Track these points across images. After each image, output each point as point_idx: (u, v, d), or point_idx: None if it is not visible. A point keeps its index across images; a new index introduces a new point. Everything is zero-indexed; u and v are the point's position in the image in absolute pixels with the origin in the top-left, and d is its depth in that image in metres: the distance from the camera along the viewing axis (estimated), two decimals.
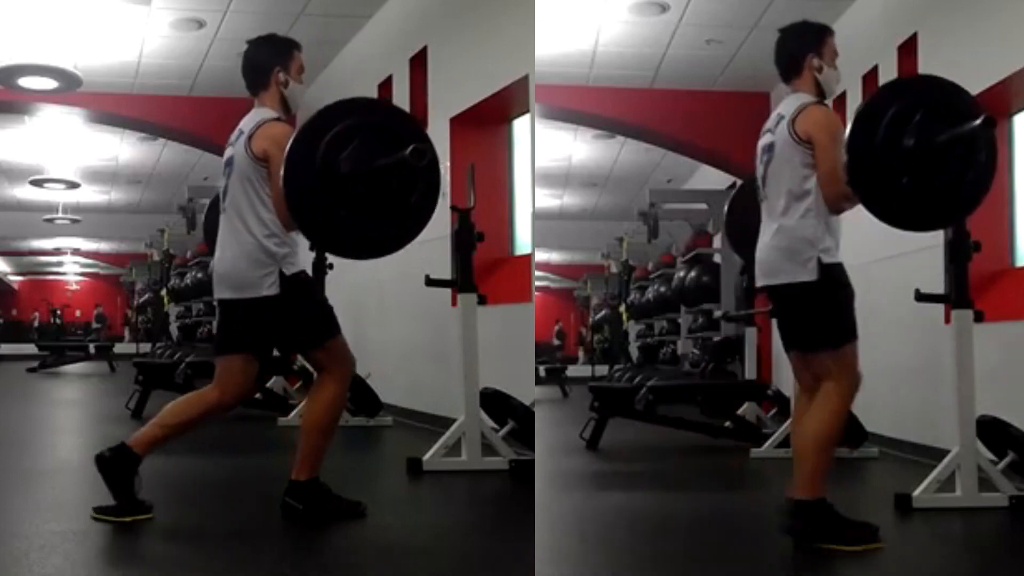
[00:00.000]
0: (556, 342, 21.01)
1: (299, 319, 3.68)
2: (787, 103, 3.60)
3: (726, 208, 5.96)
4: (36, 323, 24.39)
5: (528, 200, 7.42)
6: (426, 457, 4.82)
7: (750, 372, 6.96)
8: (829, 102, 3.72)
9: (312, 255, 6.05)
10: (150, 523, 3.71)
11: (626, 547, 3.64)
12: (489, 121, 7.18)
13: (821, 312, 3.50)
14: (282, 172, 3.44)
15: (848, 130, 3.35)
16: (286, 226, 3.62)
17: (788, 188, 3.50)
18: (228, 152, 3.75)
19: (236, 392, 3.68)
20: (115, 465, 3.56)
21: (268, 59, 3.78)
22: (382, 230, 3.61)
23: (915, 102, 3.38)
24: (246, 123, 3.72)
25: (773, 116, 3.64)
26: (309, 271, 4.40)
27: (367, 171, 3.46)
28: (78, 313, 24.36)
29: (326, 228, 3.55)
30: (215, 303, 3.87)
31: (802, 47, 3.63)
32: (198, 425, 3.75)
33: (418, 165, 3.46)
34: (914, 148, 3.32)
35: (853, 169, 3.31)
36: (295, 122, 3.70)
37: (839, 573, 3.43)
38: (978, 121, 3.34)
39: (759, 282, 3.66)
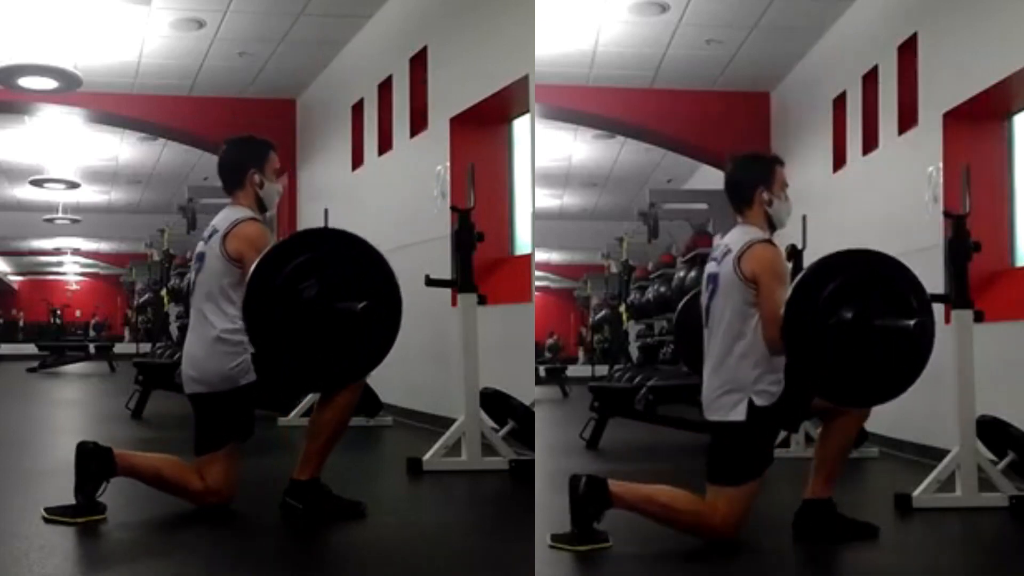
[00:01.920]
0: (548, 355, 20.65)
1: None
2: (735, 235, 3.58)
3: (674, 320, 5.96)
4: (21, 322, 24.30)
5: (528, 200, 7.42)
6: (426, 457, 4.82)
7: None
8: (779, 235, 3.69)
9: None
10: (152, 523, 3.71)
11: (626, 547, 3.63)
12: (489, 121, 7.17)
13: (741, 450, 3.48)
14: (243, 294, 3.44)
15: (787, 297, 3.37)
16: None
17: (728, 325, 3.48)
18: (200, 247, 3.76)
19: (229, 488, 3.68)
20: (92, 462, 3.53)
21: (244, 160, 3.80)
22: (336, 364, 3.60)
23: (856, 278, 3.44)
24: (220, 222, 3.74)
25: (721, 246, 3.63)
26: None
27: (326, 308, 3.46)
28: (78, 313, 24.32)
29: (280, 357, 3.52)
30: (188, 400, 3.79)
31: (751, 180, 3.61)
32: (169, 492, 3.72)
33: (368, 320, 3.45)
34: (849, 324, 3.37)
35: (788, 337, 3.36)
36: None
37: (839, 573, 3.44)
38: (911, 323, 3.38)
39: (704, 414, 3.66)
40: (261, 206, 3.81)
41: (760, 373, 3.43)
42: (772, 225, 3.60)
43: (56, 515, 3.51)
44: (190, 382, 3.70)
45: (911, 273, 3.57)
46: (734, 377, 3.45)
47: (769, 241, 3.55)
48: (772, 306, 3.39)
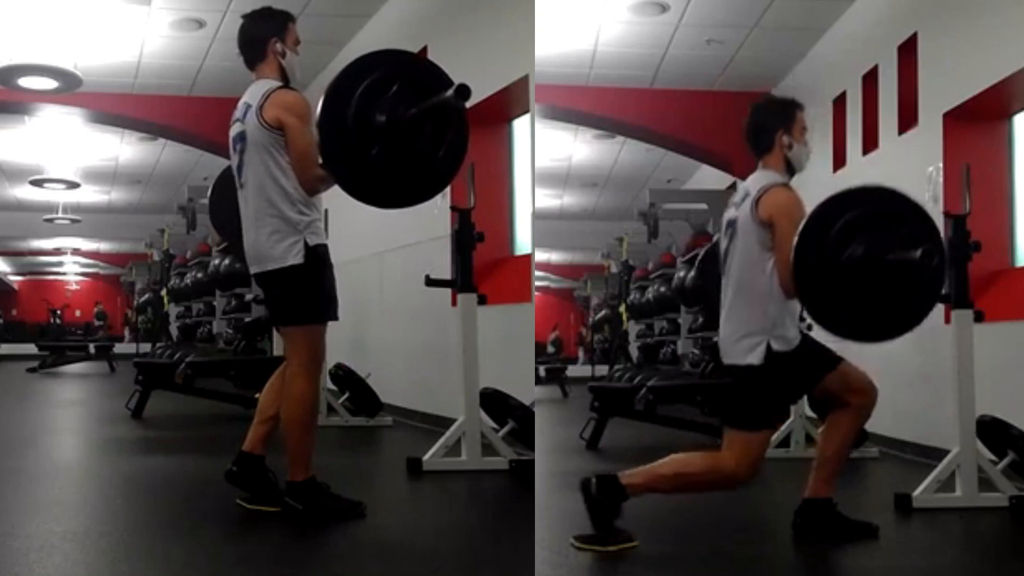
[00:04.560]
0: (550, 349, 20.68)
1: (306, 293, 3.67)
2: (754, 180, 3.60)
3: (697, 265, 6.03)
4: (1, 320, 24.26)
5: (528, 200, 7.42)
6: (426, 457, 4.82)
7: None
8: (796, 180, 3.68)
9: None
10: (149, 522, 3.71)
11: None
12: (489, 121, 7.17)
13: (757, 395, 3.49)
14: (315, 124, 3.45)
15: (794, 245, 3.36)
16: (308, 191, 3.63)
17: (745, 269, 3.50)
18: (237, 128, 3.74)
19: (322, 356, 3.79)
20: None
21: (264, 31, 3.78)
22: (413, 180, 3.64)
23: (867, 212, 3.41)
24: (252, 96, 3.71)
25: (740, 191, 3.65)
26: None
27: (401, 121, 3.49)
28: (78, 313, 24.35)
29: (359, 177, 3.55)
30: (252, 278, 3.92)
31: (772, 124, 3.64)
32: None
33: (460, 105, 3.47)
34: (860, 259, 3.35)
35: (798, 274, 3.36)
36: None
37: (839, 573, 3.43)
38: (918, 252, 3.32)
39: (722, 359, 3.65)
40: (284, 77, 3.78)
41: (777, 317, 3.43)
42: (791, 169, 3.62)
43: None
44: (251, 262, 3.76)
45: (921, 209, 3.52)
46: (751, 320, 3.45)
47: (786, 185, 3.55)
48: (787, 249, 3.38)
